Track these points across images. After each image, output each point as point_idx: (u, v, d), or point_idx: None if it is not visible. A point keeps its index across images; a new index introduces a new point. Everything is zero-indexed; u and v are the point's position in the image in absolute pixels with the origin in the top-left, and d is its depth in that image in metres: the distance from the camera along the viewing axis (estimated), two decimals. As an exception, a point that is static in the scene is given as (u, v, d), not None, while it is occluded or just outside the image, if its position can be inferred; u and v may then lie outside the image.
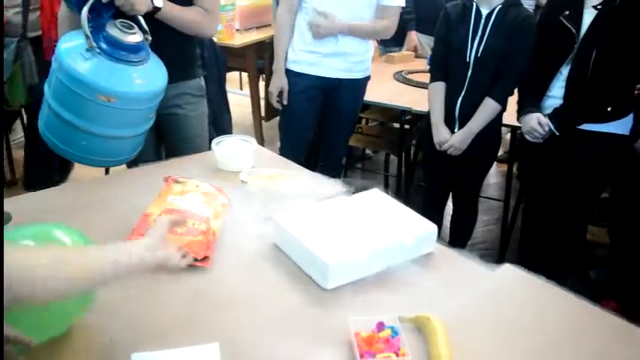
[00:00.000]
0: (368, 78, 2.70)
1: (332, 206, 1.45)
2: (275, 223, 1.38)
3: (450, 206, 2.76)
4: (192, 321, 1.13)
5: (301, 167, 1.83)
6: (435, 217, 2.64)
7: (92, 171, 3.82)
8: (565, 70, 2.12)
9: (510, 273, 1.33)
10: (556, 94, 2.17)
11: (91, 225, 1.48)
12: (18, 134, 4.18)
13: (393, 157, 3.56)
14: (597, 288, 2.58)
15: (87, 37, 1.67)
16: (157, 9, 1.85)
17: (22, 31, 2.79)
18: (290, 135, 2.74)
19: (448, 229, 2.86)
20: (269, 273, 1.30)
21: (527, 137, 2.25)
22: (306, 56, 2.57)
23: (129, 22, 1.76)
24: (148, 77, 1.79)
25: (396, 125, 3.45)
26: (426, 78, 3.26)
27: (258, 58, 3.96)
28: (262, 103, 3.95)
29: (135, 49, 1.76)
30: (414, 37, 4.01)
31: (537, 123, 2.18)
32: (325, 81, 2.58)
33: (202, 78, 2.20)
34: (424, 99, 2.91)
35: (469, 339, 1.09)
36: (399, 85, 3.31)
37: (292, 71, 2.63)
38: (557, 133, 2.15)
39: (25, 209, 1.54)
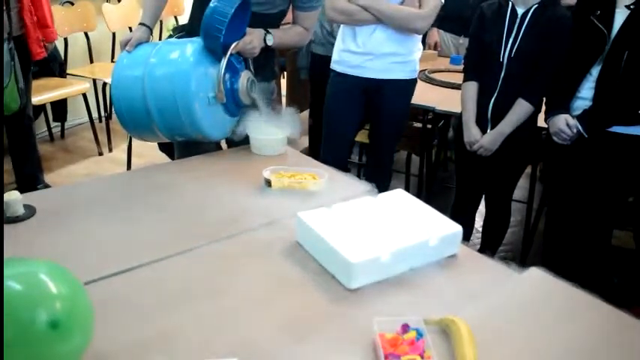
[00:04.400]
0: (414, 80, 2.65)
1: (356, 206, 1.44)
2: (299, 222, 1.36)
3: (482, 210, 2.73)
4: (209, 322, 1.12)
5: (324, 165, 1.82)
6: (466, 219, 2.63)
7: (115, 167, 3.89)
8: (595, 71, 2.09)
9: (537, 276, 1.30)
10: (585, 95, 2.13)
11: (113, 219, 1.49)
12: (42, 128, 4.23)
13: (414, 157, 3.53)
14: (621, 293, 2.54)
15: (219, 91, 1.78)
16: (268, 47, 1.96)
17: (9, 32, 2.71)
18: (331, 135, 2.73)
19: (477, 232, 2.84)
20: (292, 272, 1.29)
21: (555, 138, 2.22)
22: (348, 57, 2.57)
23: (253, 77, 1.92)
24: (232, 125, 1.94)
25: (418, 125, 3.42)
26: (449, 77, 3.27)
27: (280, 56, 3.95)
28: (284, 100, 3.94)
29: (244, 106, 1.91)
30: (434, 33, 3.99)
31: (565, 124, 2.14)
32: (366, 82, 2.56)
33: (273, 82, 2.23)
34: (447, 98, 2.90)
35: (495, 342, 1.07)
36: (422, 84, 3.28)
37: (334, 71, 2.65)
38: (586, 135, 2.12)
39: (49, 203, 1.55)
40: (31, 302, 0.87)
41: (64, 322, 0.88)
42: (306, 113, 4.06)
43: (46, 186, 3.34)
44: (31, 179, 3.27)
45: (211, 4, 1.71)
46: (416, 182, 3.58)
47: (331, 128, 2.72)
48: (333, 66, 2.65)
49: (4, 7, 2.68)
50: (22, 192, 1.51)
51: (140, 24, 1.95)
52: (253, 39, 1.88)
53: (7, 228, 1.42)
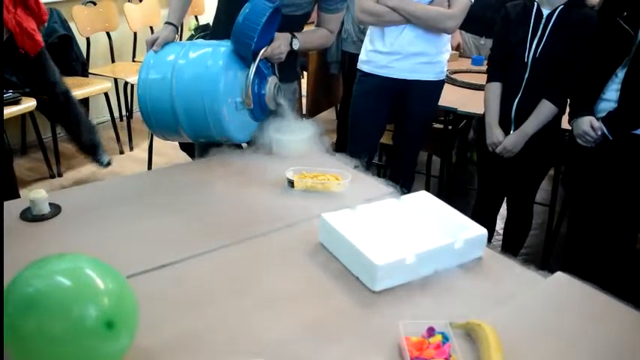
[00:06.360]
0: (442, 82, 2.63)
1: (380, 207, 1.43)
2: (323, 223, 1.36)
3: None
4: (233, 322, 1.13)
5: (348, 167, 1.81)
6: (487, 221, 2.60)
7: (136, 165, 3.92)
8: (621, 73, 2.06)
9: (563, 281, 1.28)
10: (610, 97, 2.11)
11: (137, 218, 1.50)
12: (64, 127, 4.27)
13: (435, 158, 3.52)
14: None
15: (247, 97, 1.78)
16: (294, 51, 1.97)
17: None
18: (357, 135, 2.72)
19: (497, 235, 2.81)
20: (315, 273, 1.29)
21: (579, 141, 2.19)
22: (376, 57, 2.55)
23: (279, 82, 1.92)
24: (255, 128, 1.94)
25: (439, 126, 3.41)
26: (470, 78, 3.24)
27: (301, 56, 3.95)
28: (304, 101, 3.94)
29: (268, 111, 1.91)
30: (457, 34, 3.96)
31: (590, 126, 2.12)
32: (394, 82, 2.54)
33: (295, 83, 2.24)
34: (469, 99, 2.88)
35: (521, 347, 1.06)
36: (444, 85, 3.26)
37: (361, 71, 2.63)
38: (611, 138, 2.09)
39: (74, 202, 1.57)
40: (81, 298, 0.88)
41: (116, 320, 0.89)
42: (326, 113, 4.07)
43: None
44: (91, 149, 3.25)
45: (244, 11, 1.71)
46: (436, 183, 3.56)
47: (358, 129, 2.71)
48: (361, 66, 2.63)
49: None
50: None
51: (166, 23, 1.96)
52: (281, 44, 1.88)
53: (33, 227, 1.44)
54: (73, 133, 3.19)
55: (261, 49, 1.80)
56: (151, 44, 1.87)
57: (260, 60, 1.80)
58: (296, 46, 1.95)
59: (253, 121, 1.91)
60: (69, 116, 3.12)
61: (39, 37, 2.88)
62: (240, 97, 1.79)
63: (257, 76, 1.82)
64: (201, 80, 1.74)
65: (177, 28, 1.98)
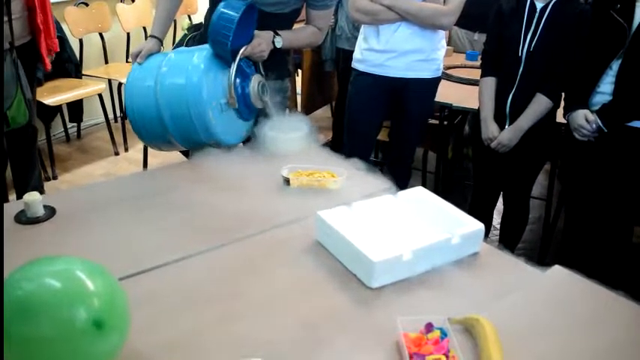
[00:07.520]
0: (438, 79, 2.61)
1: (376, 204, 1.43)
2: (319, 220, 1.35)
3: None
4: (230, 322, 1.12)
5: (343, 163, 1.80)
6: (483, 216, 2.61)
7: (131, 166, 3.91)
8: (615, 66, 2.06)
9: (560, 275, 1.28)
10: (605, 89, 2.11)
11: (133, 219, 1.49)
12: (58, 129, 4.26)
13: (431, 154, 3.51)
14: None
15: (231, 97, 1.77)
16: (277, 49, 1.94)
17: (10, 42, 2.52)
18: (354, 135, 2.71)
19: (494, 230, 2.81)
20: (312, 271, 1.28)
21: (575, 135, 2.19)
22: (371, 56, 2.53)
23: (264, 80, 1.90)
24: (247, 129, 1.94)
25: (435, 121, 3.41)
26: (465, 73, 3.24)
27: (295, 53, 3.95)
28: (298, 99, 3.93)
29: (257, 110, 1.90)
30: None
31: (584, 119, 2.12)
32: (390, 81, 2.52)
33: (287, 80, 2.21)
34: (464, 95, 2.89)
35: (520, 342, 1.05)
36: (438, 81, 3.26)
37: (356, 70, 2.61)
38: (606, 130, 2.09)
39: (69, 204, 1.56)
40: (71, 300, 0.88)
41: (105, 321, 0.89)
42: (321, 111, 4.06)
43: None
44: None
45: (217, 10, 1.70)
46: (432, 179, 3.55)
47: (354, 128, 2.70)
48: (355, 65, 2.61)
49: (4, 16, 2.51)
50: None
51: (150, 36, 1.95)
52: (262, 42, 1.86)
53: (28, 229, 1.43)
54: (21, 174, 2.99)
55: (240, 48, 1.78)
56: (135, 57, 1.87)
57: (241, 59, 1.79)
58: (279, 44, 1.93)
59: (242, 121, 1.89)
60: (28, 155, 2.98)
61: (47, 61, 2.87)
62: (224, 99, 1.78)
63: (240, 75, 1.81)
64: (184, 85, 1.73)
65: (162, 41, 1.96)
